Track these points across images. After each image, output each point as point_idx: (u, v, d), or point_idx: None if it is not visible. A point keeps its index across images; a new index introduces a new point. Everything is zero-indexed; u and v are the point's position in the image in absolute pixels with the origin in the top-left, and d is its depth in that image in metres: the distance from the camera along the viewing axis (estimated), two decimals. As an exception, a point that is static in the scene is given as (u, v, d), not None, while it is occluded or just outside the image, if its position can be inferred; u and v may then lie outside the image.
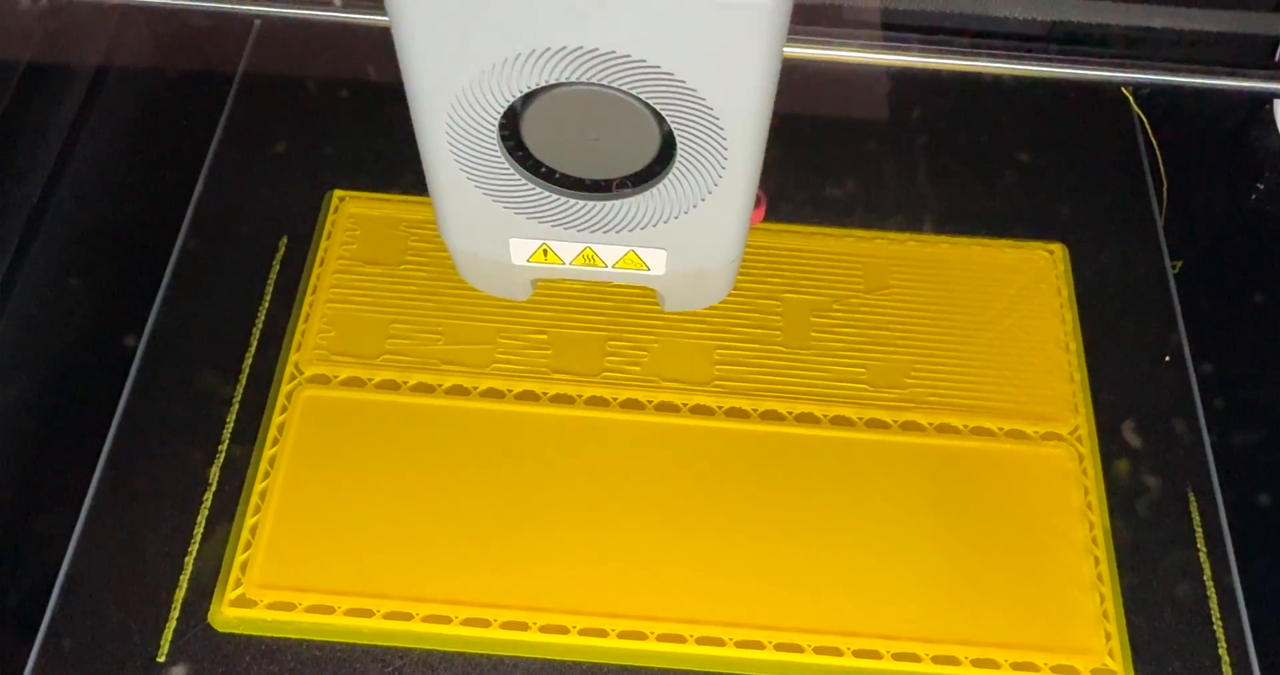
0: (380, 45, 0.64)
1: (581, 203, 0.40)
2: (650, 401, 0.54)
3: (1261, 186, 0.61)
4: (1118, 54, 0.57)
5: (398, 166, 0.60)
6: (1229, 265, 0.64)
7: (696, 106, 0.36)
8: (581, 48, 0.34)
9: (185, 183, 0.60)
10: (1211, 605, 0.49)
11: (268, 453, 0.51)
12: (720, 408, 0.53)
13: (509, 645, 0.47)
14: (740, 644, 0.48)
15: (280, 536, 0.49)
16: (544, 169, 0.39)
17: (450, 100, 0.36)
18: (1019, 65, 0.57)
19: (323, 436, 0.52)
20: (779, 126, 0.64)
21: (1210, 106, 0.65)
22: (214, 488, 0.51)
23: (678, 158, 0.38)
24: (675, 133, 0.37)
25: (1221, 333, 0.59)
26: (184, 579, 0.48)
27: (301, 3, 0.58)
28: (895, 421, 0.53)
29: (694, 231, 0.41)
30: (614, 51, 0.34)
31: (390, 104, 0.63)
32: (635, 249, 0.43)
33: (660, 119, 0.37)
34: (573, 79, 0.35)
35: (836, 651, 0.47)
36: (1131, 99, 0.64)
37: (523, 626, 0.48)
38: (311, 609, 0.48)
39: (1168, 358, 0.56)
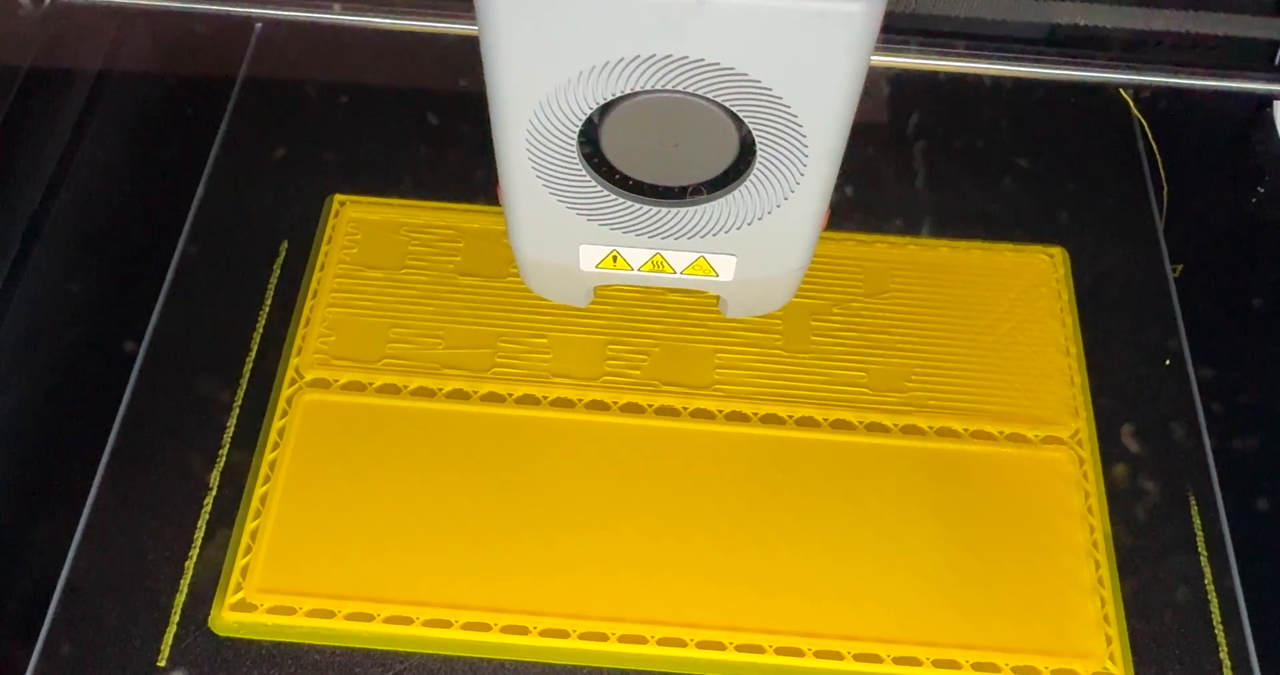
0: (379, 49, 0.64)
1: (657, 209, 0.40)
2: (651, 405, 0.54)
3: (1262, 190, 0.61)
4: (1117, 57, 0.57)
5: (398, 171, 0.60)
6: (1229, 269, 0.64)
7: (780, 113, 0.36)
8: (671, 56, 0.34)
9: (186, 188, 0.60)
10: (1212, 609, 0.49)
11: (268, 457, 0.51)
12: (721, 412, 0.53)
13: (509, 649, 0.47)
14: (740, 648, 0.47)
15: (281, 541, 0.49)
16: (618, 175, 0.39)
17: (533, 108, 0.36)
18: (1018, 67, 0.57)
19: (323, 441, 0.52)
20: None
21: (1210, 109, 0.65)
22: (214, 492, 0.51)
23: (757, 163, 0.38)
24: (756, 138, 0.37)
25: (1222, 336, 0.59)
26: (184, 583, 0.48)
27: (301, 6, 0.58)
28: (895, 425, 0.53)
29: (766, 237, 0.41)
30: (703, 59, 0.34)
31: (390, 109, 0.63)
32: (706, 255, 0.43)
33: (740, 124, 0.37)
34: (657, 86, 0.35)
35: (837, 655, 0.47)
36: (1131, 102, 0.64)
37: (523, 630, 0.47)
38: (312, 613, 0.48)
39: (1168, 361, 0.56)
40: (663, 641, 0.47)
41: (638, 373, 0.54)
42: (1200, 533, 0.51)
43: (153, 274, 0.57)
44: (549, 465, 0.52)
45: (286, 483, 0.51)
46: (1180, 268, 0.60)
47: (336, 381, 0.54)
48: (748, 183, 0.39)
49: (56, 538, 0.50)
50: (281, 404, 0.53)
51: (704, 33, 0.33)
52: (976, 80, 0.63)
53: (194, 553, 0.49)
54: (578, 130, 0.37)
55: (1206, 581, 0.50)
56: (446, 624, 0.48)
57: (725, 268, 0.43)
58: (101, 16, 0.62)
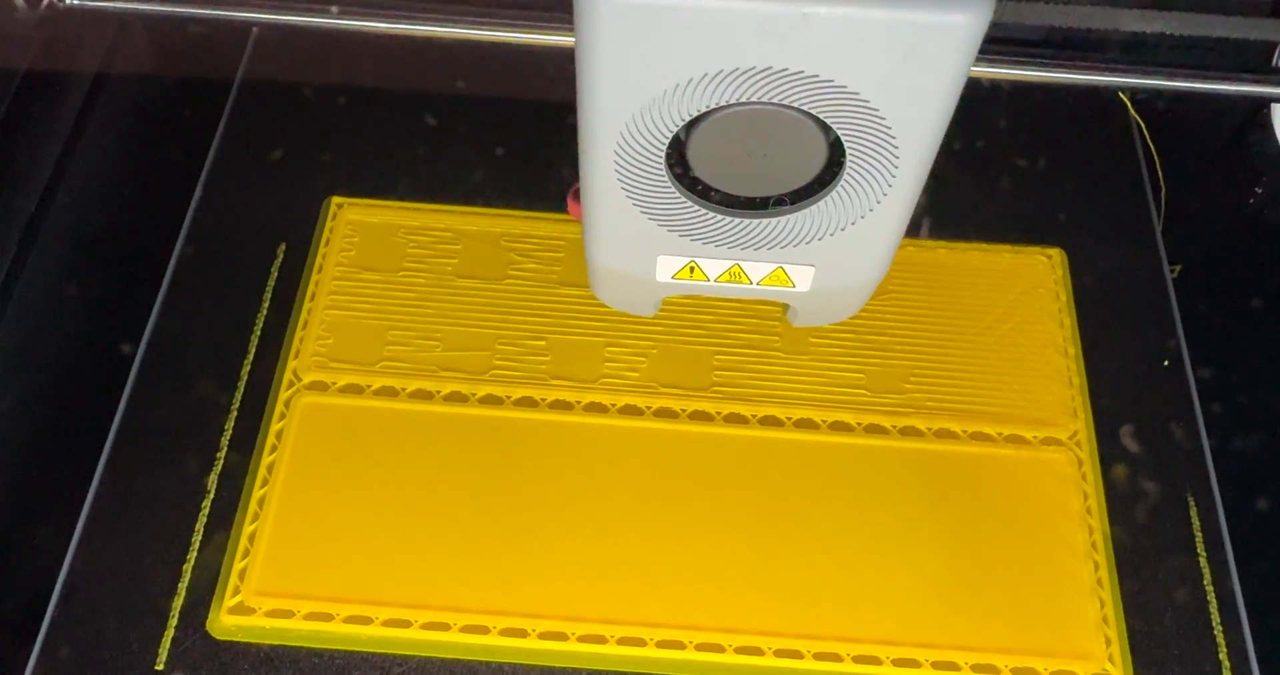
0: (376, 51, 0.64)
1: (743, 220, 0.40)
2: (649, 407, 0.53)
3: (1259, 191, 0.61)
4: (1115, 59, 0.57)
5: (395, 173, 0.60)
6: (1227, 269, 0.64)
7: (874, 123, 0.36)
8: (770, 68, 0.34)
9: (183, 190, 0.60)
10: (1212, 610, 0.49)
11: (266, 460, 0.51)
12: (719, 413, 0.53)
13: (508, 652, 0.47)
14: (739, 650, 0.47)
15: (278, 544, 0.49)
16: (700, 186, 0.39)
17: (626, 121, 0.36)
18: (1016, 70, 0.57)
19: (321, 443, 0.52)
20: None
21: (1208, 111, 0.65)
22: (212, 495, 0.51)
23: (846, 173, 0.38)
24: (846, 149, 0.37)
25: (1220, 337, 0.59)
26: (182, 586, 0.48)
27: (298, 10, 0.58)
28: (894, 427, 0.53)
29: (847, 247, 0.41)
30: (802, 71, 0.34)
31: (387, 111, 0.63)
32: (785, 266, 0.43)
33: (829, 134, 0.37)
34: (750, 99, 0.35)
35: (836, 657, 0.47)
36: (1129, 103, 0.64)
37: (521, 633, 0.47)
38: (310, 616, 0.48)
39: (1166, 362, 0.56)
40: (661, 644, 0.47)
41: (636, 375, 0.54)
42: (1199, 533, 0.51)
43: (150, 276, 0.57)
44: (547, 467, 0.52)
45: (284, 485, 0.51)
46: (1179, 268, 0.60)
47: (334, 384, 0.54)
48: (835, 193, 0.39)
49: (54, 541, 0.49)
50: (279, 406, 0.53)
51: (804, 44, 0.33)
52: (974, 82, 0.63)
53: (192, 556, 0.49)
54: (667, 143, 0.37)
55: (1206, 582, 0.50)
56: (445, 627, 0.47)
57: (803, 278, 0.43)
58: (99, 19, 0.61)
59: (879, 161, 0.37)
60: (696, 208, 0.40)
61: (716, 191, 0.39)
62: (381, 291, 0.56)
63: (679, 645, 0.47)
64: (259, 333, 0.55)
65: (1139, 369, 0.56)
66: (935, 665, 0.47)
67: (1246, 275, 0.62)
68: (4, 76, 0.55)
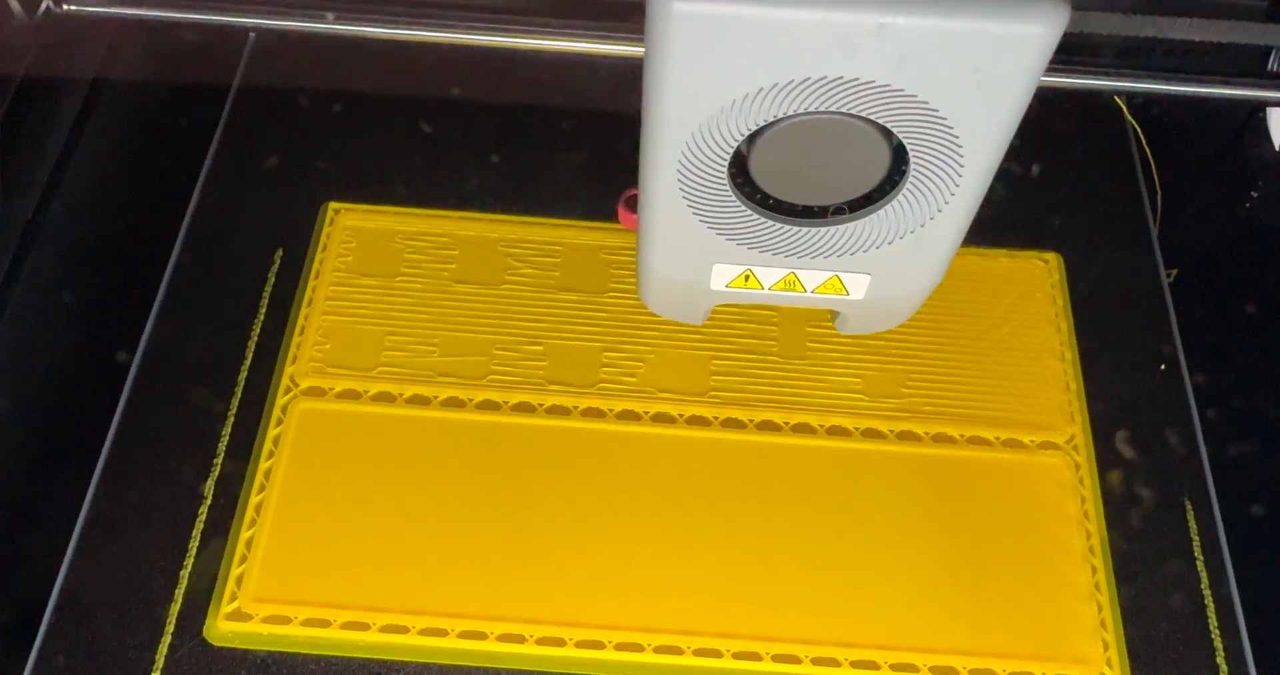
0: (373, 57, 0.64)
1: (802, 229, 0.40)
2: (646, 412, 0.53)
3: (1255, 195, 0.62)
4: (1111, 63, 0.57)
5: (391, 180, 0.60)
6: (1224, 274, 0.64)
7: (941, 131, 0.36)
8: (841, 78, 0.34)
9: (180, 196, 0.60)
10: (1209, 615, 0.49)
11: (263, 466, 0.51)
12: (717, 418, 0.53)
13: (505, 658, 0.47)
14: (737, 655, 0.47)
15: (276, 550, 0.49)
16: (759, 195, 0.39)
17: (692, 131, 0.36)
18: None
19: (318, 449, 0.52)
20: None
21: (1203, 116, 0.65)
22: (209, 501, 0.50)
23: (909, 181, 0.38)
24: (910, 157, 0.37)
25: (1217, 341, 0.59)
26: (179, 593, 0.48)
27: (294, 15, 0.58)
28: (891, 431, 0.53)
29: (905, 255, 0.41)
30: (873, 81, 0.34)
31: (383, 118, 0.63)
32: (841, 274, 0.42)
33: (891, 143, 0.37)
34: (817, 108, 0.35)
35: (834, 662, 0.47)
36: (1125, 108, 0.64)
37: (519, 639, 0.47)
38: (307, 622, 0.47)
39: (1163, 367, 0.56)
40: (659, 649, 0.47)
41: (633, 380, 0.54)
42: (1196, 538, 0.51)
43: (147, 282, 0.57)
44: (544, 473, 0.52)
45: (281, 492, 0.51)
46: (1175, 273, 0.60)
47: (331, 389, 0.53)
48: (898, 200, 0.39)
49: (50, 548, 0.49)
50: (276, 412, 0.53)
51: (878, 54, 0.33)
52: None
53: (189, 562, 0.49)
54: (731, 153, 0.37)
55: (1203, 587, 0.50)
56: (442, 633, 0.47)
57: (858, 286, 0.43)
58: (96, 25, 0.61)
59: (943, 169, 0.37)
60: (756, 217, 0.39)
61: (774, 199, 0.39)
62: (378, 297, 0.56)
63: (676, 650, 0.47)
64: (256, 339, 0.55)
65: (1136, 373, 0.56)
66: (933, 670, 0.47)
67: (1243, 279, 0.62)
68: (1, 83, 0.55)
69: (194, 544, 0.49)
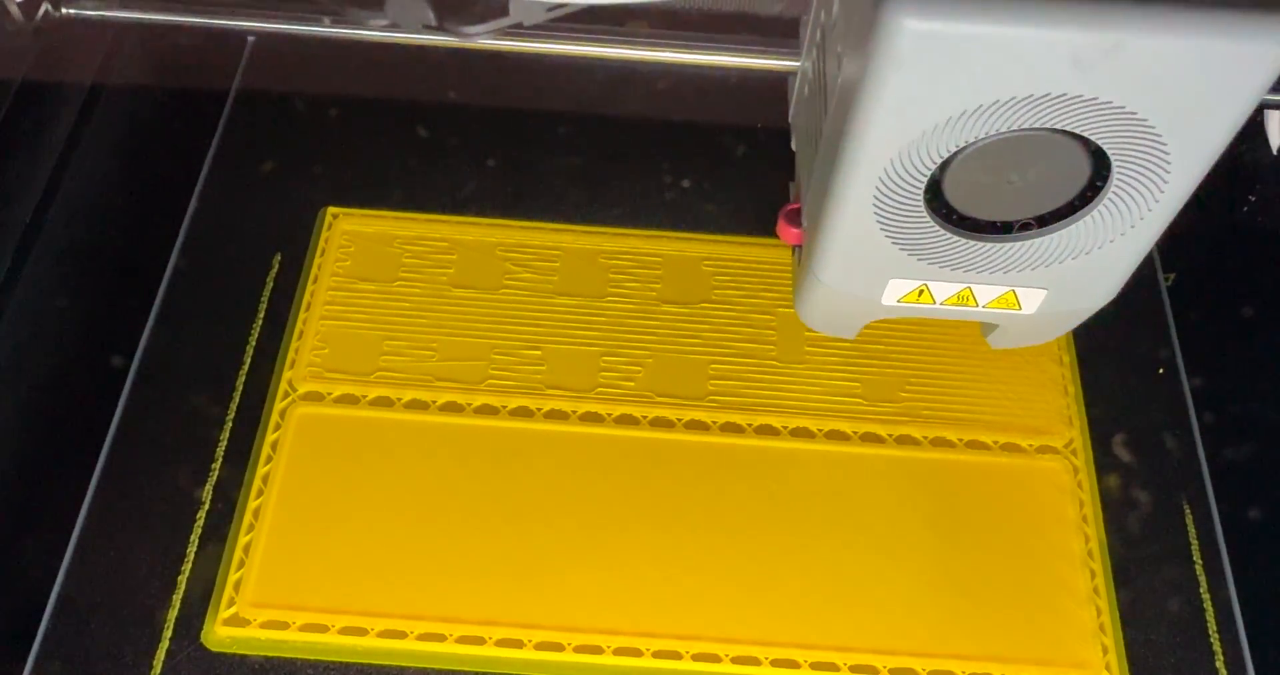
0: (368, 65, 0.64)
1: (991, 244, 0.39)
2: (645, 417, 0.53)
3: (1254, 198, 0.62)
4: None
5: (388, 185, 0.60)
6: (1221, 277, 0.64)
7: (1152, 146, 0.35)
8: (1065, 95, 0.33)
9: (178, 201, 0.59)
10: (1208, 618, 0.49)
11: (261, 471, 0.51)
12: (715, 423, 0.53)
13: (504, 663, 0.47)
14: (736, 660, 0.47)
15: (274, 555, 0.49)
16: (945, 210, 0.39)
17: (897, 150, 0.35)
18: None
19: (316, 454, 0.52)
20: (769, 141, 0.64)
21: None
22: (207, 506, 0.50)
23: (1107, 196, 0.37)
24: (1114, 172, 0.36)
25: (1214, 345, 0.59)
26: (177, 598, 0.48)
27: (292, 19, 0.58)
28: (890, 435, 0.53)
29: (1089, 270, 0.41)
30: (1095, 98, 0.33)
31: (380, 123, 0.63)
32: (1018, 289, 0.42)
33: (1092, 157, 0.36)
34: (1030, 125, 0.35)
35: (833, 667, 0.47)
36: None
37: (518, 644, 0.47)
38: (305, 627, 0.47)
39: (1161, 370, 0.56)
40: (658, 654, 0.47)
41: (632, 384, 0.54)
42: (1195, 542, 0.51)
43: (145, 288, 0.57)
44: (543, 477, 0.52)
45: (279, 497, 0.50)
46: (1172, 276, 0.60)
47: (330, 394, 0.53)
48: (1093, 214, 0.38)
49: (48, 553, 0.49)
50: (274, 417, 0.53)
51: (1105, 71, 0.33)
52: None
53: (186, 567, 0.49)
54: (932, 172, 0.36)
55: (1202, 590, 0.50)
56: (441, 638, 0.47)
57: (1031, 301, 0.42)
58: (94, 30, 0.61)
59: (1146, 184, 0.36)
60: (945, 233, 0.39)
61: (958, 215, 0.38)
62: (377, 302, 0.56)
63: (675, 655, 0.47)
64: (254, 344, 0.55)
65: (1133, 377, 0.56)
66: (932, 674, 0.47)
67: (1241, 283, 0.62)
68: (-1, 87, 0.55)
69: (192, 549, 0.49)
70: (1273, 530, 0.52)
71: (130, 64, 0.64)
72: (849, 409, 0.54)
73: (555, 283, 0.57)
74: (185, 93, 0.65)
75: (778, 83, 0.58)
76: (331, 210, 0.59)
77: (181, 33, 0.63)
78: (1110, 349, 0.56)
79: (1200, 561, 0.51)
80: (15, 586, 0.51)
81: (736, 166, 0.62)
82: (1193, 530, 0.51)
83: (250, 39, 0.65)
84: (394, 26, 0.57)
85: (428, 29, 0.40)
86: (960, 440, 0.53)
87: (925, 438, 0.53)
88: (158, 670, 0.46)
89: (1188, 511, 0.52)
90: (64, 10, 0.58)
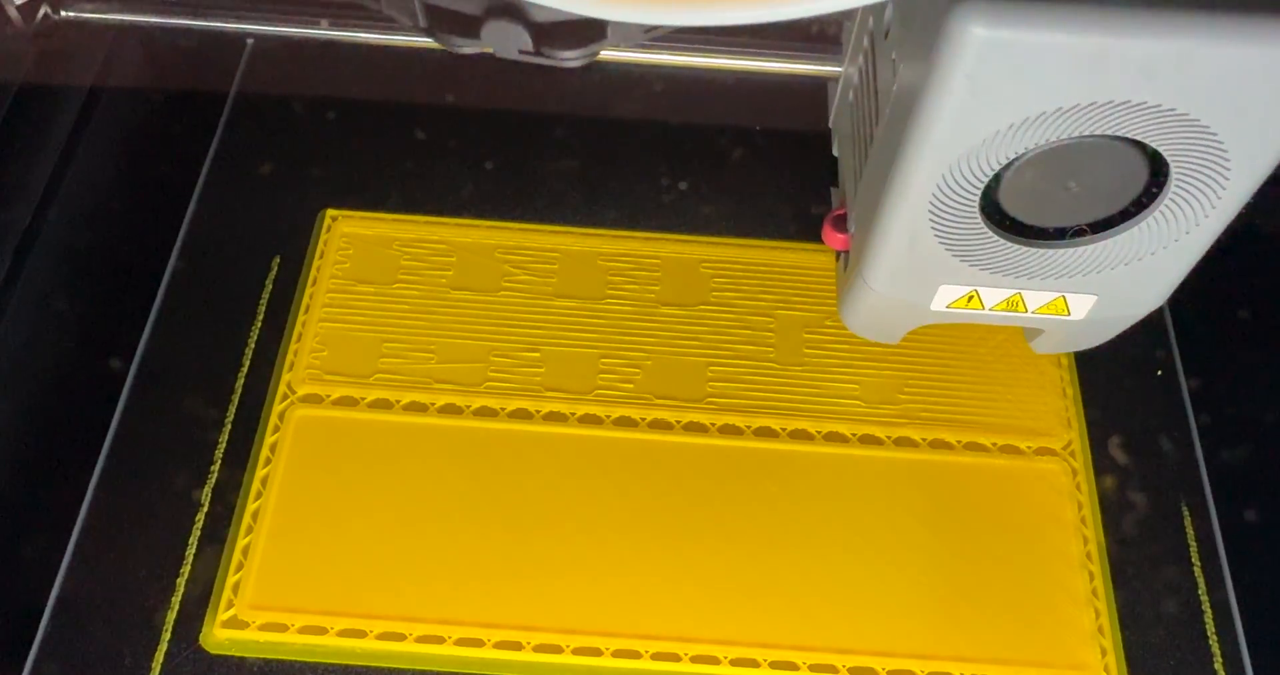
0: (366, 68, 0.64)
1: (1045, 250, 0.39)
2: (644, 419, 0.53)
3: (1251, 200, 0.62)
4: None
5: (386, 187, 0.61)
6: (1218, 279, 0.64)
7: (1213, 154, 0.35)
8: (1129, 102, 0.33)
9: (177, 203, 0.60)
10: (1206, 620, 0.49)
11: (260, 473, 0.51)
12: (714, 425, 0.53)
13: (503, 665, 0.47)
14: (735, 662, 0.47)
15: (273, 557, 0.49)
16: (999, 216, 0.38)
17: (956, 157, 0.35)
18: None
19: (315, 456, 0.52)
20: (767, 143, 0.65)
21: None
22: (205, 509, 0.50)
23: (1164, 202, 0.37)
24: (1172, 178, 0.36)
25: (1212, 346, 0.59)
26: (175, 600, 0.48)
27: (291, 22, 0.58)
28: (889, 437, 0.53)
29: (1141, 275, 0.40)
30: (1159, 105, 0.33)
31: (378, 125, 0.64)
32: (1068, 294, 0.42)
33: (1150, 163, 0.36)
34: (1090, 132, 0.34)
35: (832, 669, 0.47)
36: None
37: (516, 646, 0.47)
38: (304, 630, 0.47)
39: (1159, 372, 0.56)
40: (657, 656, 0.47)
41: (630, 386, 0.54)
42: (1193, 543, 0.51)
43: (143, 289, 0.57)
44: (542, 480, 0.52)
45: (278, 499, 0.50)
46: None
47: (329, 397, 0.53)
48: (1149, 220, 0.38)
49: (47, 556, 0.49)
50: (273, 420, 0.53)
51: (1172, 78, 0.32)
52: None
53: (185, 570, 0.49)
54: (989, 179, 0.36)
55: (1200, 592, 0.50)
56: (440, 640, 0.47)
57: (1081, 307, 0.42)
58: (93, 33, 0.62)
59: (1204, 191, 0.36)
60: (1000, 239, 0.39)
61: (1011, 220, 0.38)
62: (376, 304, 0.56)
63: (674, 657, 0.47)
64: (252, 346, 0.55)
65: (1131, 379, 0.56)
66: (931, 676, 0.47)
67: (1238, 285, 0.62)
68: (-2, 90, 0.55)
69: (190, 551, 0.49)
70: (1271, 532, 0.52)
71: (129, 67, 0.64)
72: (848, 411, 0.54)
73: (554, 285, 0.57)
74: (184, 95, 0.65)
75: (775, 86, 0.58)
76: (330, 212, 0.60)
77: (180, 36, 0.63)
78: (1108, 351, 0.56)
79: (1198, 563, 0.51)
80: (14, 588, 0.51)
81: (734, 169, 0.62)
82: (1191, 532, 0.52)
83: (249, 42, 0.65)
84: (391, 29, 0.57)
85: (523, 53, 0.40)
86: (959, 442, 0.53)
87: (924, 440, 0.53)
88: (156, 672, 0.46)
89: (1186, 513, 0.52)
90: (63, 13, 0.58)
